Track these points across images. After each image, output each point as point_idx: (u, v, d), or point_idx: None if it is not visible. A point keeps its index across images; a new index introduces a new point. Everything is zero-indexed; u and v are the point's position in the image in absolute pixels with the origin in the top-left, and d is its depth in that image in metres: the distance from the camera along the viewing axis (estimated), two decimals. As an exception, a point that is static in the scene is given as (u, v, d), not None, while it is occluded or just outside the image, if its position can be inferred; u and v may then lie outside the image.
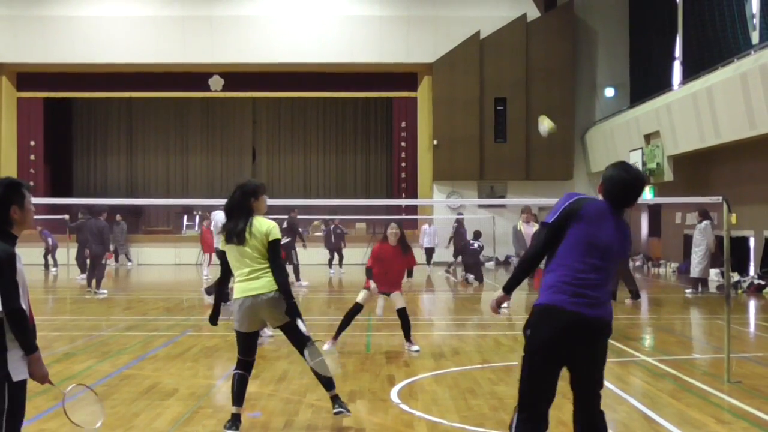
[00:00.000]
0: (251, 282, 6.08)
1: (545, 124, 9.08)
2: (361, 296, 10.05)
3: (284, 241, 18.18)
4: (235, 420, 6.16)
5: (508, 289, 4.64)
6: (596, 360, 4.49)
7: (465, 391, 7.84)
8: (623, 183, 4.49)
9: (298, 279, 19.56)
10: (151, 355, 9.97)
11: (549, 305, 4.37)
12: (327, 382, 6.40)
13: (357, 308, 10.02)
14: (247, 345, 6.26)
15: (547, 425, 4.49)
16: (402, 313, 10.06)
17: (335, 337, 10.01)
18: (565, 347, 4.36)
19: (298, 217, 28.93)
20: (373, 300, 10.29)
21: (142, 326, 12.83)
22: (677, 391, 7.82)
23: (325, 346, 9.69)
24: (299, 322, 6.14)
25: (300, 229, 20.83)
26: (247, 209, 6.15)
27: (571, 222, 4.38)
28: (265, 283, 6.06)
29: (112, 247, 20.96)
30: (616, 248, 4.45)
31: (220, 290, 6.62)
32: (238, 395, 6.18)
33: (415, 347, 10.09)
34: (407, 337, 10.16)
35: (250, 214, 6.14)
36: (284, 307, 6.08)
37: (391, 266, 9.99)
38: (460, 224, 25.60)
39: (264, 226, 6.11)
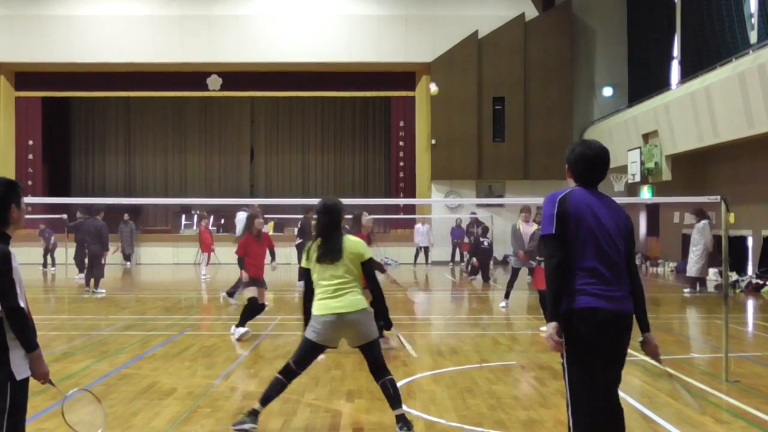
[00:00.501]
0: (336, 300, 6.13)
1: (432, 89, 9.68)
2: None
3: (297, 242, 18.20)
4: (254, 414, 6.20)
5: (555, 314, 4.32)
6: (623, 356, 4.48)
7: (463, 391, 7.84)
8: (588, 159, 4.51)
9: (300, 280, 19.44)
10: (149, 354, 9.96)
11: (576, 310, 4.29)
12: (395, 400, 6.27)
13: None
14: (308, 357, 6.26)
15: None
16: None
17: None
18: (600, 347, 4.33)
19: (295, 216, 29.01)
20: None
21: (140, 325, 12.82)
22: (676, 391, 7.82)
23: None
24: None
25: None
26: (340, 228, 6.29)
27: (567, 224, 4.34)
28: (350, 302, 6.14)
29: (113, 248, 20.86)
30: (615, 228, 4.40)
31: (307, 308, 6.36)
32: (268, 398, 6.24)
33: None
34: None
35: (342, 233, 6.28)
36: (369, 326, 6.18)
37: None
38: (472, 223, 25.72)
39: (357, 246, 6.29)
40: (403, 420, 6.13)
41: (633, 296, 4.45)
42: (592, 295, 4.28)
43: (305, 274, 6.32)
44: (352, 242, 6.27)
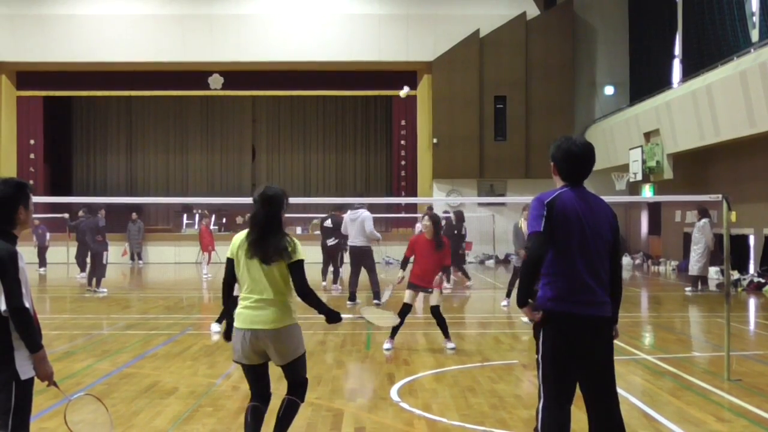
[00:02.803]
0: (256, 312, 5.26)
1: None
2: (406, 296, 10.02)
3: (332, 242, 17.73)
4: None
5: (524, 302, 4.42)
6: (606, 363, 4.47)
7: (465, 390, 7.84)
8: (574, 157, 4.51)
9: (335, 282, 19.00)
10: (151, 353, 9.97)
11: (554, 312, 4.39)
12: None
13: (407, 308, 9.96)
14: (250, 380, 5.54)
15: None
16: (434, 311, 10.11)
17: (392, 336, 10.12)
18: (575, 351, 4.39)
19: (296, 215, 29.01)
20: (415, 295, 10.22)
21: (141, 325, 12.83)
22: (677, 389, 7.82)
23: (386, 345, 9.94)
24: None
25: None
26: (281, 223, 5.45)
27: (553, 226, 4.36)
28: (272, 316, 5.26)
29: (120, 250, 20.83)
30: (599, 230, 4.43)
31: (227, 305, 5.67)
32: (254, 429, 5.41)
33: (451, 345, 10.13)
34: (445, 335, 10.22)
35: (282, 230, 5.45)
36: (291, 343, 5.34)
37: (425, 260, 9.95)
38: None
39: (294, 246, 5.32)
40: None
41: (613, 292, 4.51)
42: (567, 301, 4.35)
43: (228, 266, 5.35)
44: (290, 241, 5.25)
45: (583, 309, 4.35)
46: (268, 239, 5.20)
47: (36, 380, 4.27)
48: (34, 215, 5.21)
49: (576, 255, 4.36)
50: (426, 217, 10.02)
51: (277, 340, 5.21)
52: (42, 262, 25.14)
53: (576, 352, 4.36)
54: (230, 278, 5.37)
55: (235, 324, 5.29)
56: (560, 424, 4.38)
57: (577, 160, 4.51)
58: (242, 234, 5.36)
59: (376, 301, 14.50)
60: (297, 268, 5.20)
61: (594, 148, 4.61)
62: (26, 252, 23.15)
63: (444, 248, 9.98)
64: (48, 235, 25.10)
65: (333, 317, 5.46)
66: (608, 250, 4.47)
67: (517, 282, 4.62)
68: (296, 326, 5.31)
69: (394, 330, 10.02)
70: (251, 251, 5.23)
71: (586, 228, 4.39)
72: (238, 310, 5.31)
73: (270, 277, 5.20)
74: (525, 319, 12.35)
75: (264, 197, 5.27)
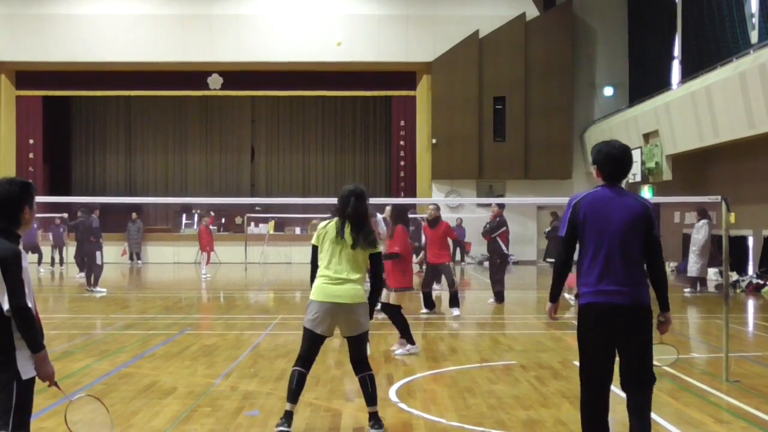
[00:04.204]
0: (338, 287, 6.12)
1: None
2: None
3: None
4: (288, 417, 6.13)
5: (554, 297, 5.17)
6: (641, 343, 4.89)
7: (463, 390, 7.84)
8: (611, 157, 4.99)
9: None
10: (149, 353, 9.97)
11: (586, 305, 4.91)
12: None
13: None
14: (313, 348, 6.35)
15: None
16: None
17: (409, 340, 9.83)
18: (606, 332, 4.84)
19: (295, 216, 28.99)
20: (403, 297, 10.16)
21: (140, 324, 12.83)
22: (676, 391, 7.82)
23: (406, 349, 9.73)
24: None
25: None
26: (368, 216, 6.34)
27: (578, 227, 4.91)
28: (352, 293, 6.15)
29: (119, 250, 20.84)
30: (626, 228, 4.84)
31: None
32: (295, 394, 6.19)
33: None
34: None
35: (369, 221, 6.35)
36: (363, 318, 6.20)
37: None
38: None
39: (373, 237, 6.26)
40: (375, 418, 6.20)
41: (653, 282, 5.00)
42: (591, 294, 4.87)
43: (314, 253, 6.25)
44: (373, 234, 6.20)
45: (605, 298, 4.80)
46: (363, 228, 6.13)
47: (36, 380, 4.27)
48: (38, 216, 5.23)
49: (600, 247, 4.84)
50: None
51: (352, 313, 6.09)
52: (60, 260, 25.45)
53: (606, 337, 4.83)
54: (316, 262, 6.24)
55: (316, 297, 6.11)
56: (591, 413, 4.92)
57: (618, 162, 4.99)
58: (330, 222, 6.22)
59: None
60: (378, 257, 6.20)
61: (631, 151, 5.12)
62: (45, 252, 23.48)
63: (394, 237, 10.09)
64: (64, 234, 25.27)
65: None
66: (638, 242, 4.87)
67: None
68: (367, 304, 6.20)
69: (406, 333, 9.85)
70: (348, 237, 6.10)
71: (613, 219, 4.85)
72: (320, 285, 6.12)
73: (355, 260, 6.12)
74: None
75: (356, 192, 6.17)
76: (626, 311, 4.79)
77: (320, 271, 6.16)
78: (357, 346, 6.25)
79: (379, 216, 14.78)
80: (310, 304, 6.19)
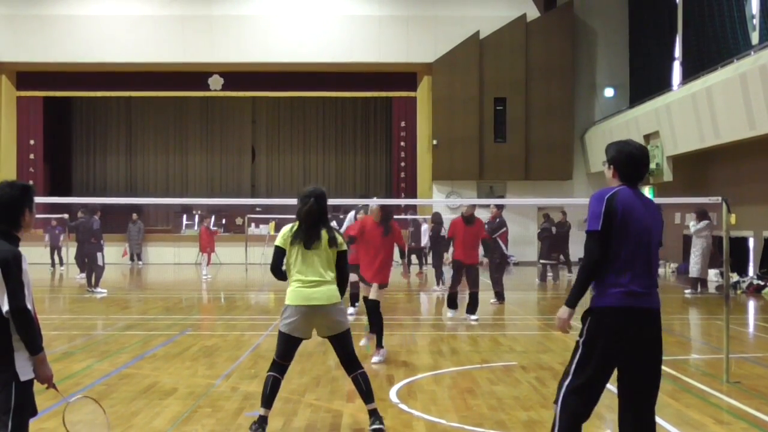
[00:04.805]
0: (313, 290, 6.11)
1: None
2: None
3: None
4: (261, 422, 6.13)
5: (573, 303, 4.61)
6: (654, 358, 4.62)
7: (464, 391, 7.84)
8: (632, 157, 4.71)
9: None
10: (150, 354, 9.97)
11: (612, 308, 4.51)
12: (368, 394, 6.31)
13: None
14: (289, 349, 6.37)
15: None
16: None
17: (380, 342, 9.57)
18: (625, 341, 4.51)
19: (290, 216, 28.97)
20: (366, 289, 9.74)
21: (141, 325, 12.83)
22: (676, 392, 7.82)
23: (381, 355, 9.54)
24: None
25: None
26: (326, 215, 6.32)
27: (613, 222, 4.52)
28: (326, 294, 6.13)
29: (120, 250, 20.88)
30: (652, 230, 4.65)
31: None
32: (269, 399, 6.18)
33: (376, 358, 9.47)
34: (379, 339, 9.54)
35: (328, 221, 6.33)
36: (340, 317, 6.22)
37: (375, 248, 9.44)
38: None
39: (337, 236, 6.24)
40: (374, 415, 6.22)
41: None
42: (622, 294, 4.49)
43: (278, 255, 6.19)
44: (334, 232, 6.21)
45: (639, 302, 4.51)
46: (319, 228, 6.11)
47: (34, 381, 4.27)
48: (39, 216, 5.25)
49: (636, 249, 4.54)
50: (377, 207, 9.58)
51: (329, 313, 6.09)
52: (59, 261, 25.47)
53: (624, 345, 4.49)
54: (277, 264, 6.22)
55: (291, 301, 6.11)
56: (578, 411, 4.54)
57: (639, 162, 4.72)
58: (290, 226, 6.21)
59: None
60: (340, 256, 6.17)
61: (648, 151, 4.87)
62: (37, 252, 23.58)
63: (392, 232, 9.57)
64: (63, 235, 25.26)
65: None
66: (656, 247, 4.70)
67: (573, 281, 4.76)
68: (342, 304, 6.21)
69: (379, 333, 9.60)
70: (307, 238, 6.09)
71: (644, 224, 4.60)
72: (294, 289, 6.10)
73: (324, 260, 6.10)
74: (473, 318, 12.24)
75: (314, 194, 6.15)
76: (654, 314, 4.57)
77: (292, 275, 6.16)
78: (341, 345, 6.24)
79: (351, 214, 14.54)
80: (285, 308, 6.19)
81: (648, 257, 4.59)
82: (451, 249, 13.66)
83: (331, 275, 6.12)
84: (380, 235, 9.44)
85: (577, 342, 4.58)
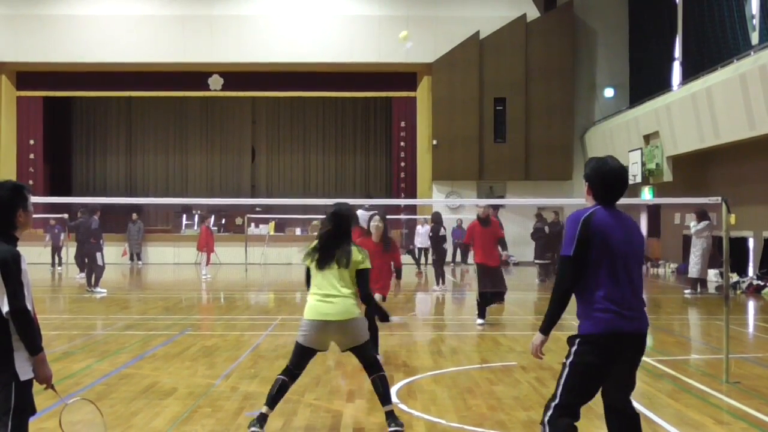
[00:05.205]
0: (327, 305, 6.19)
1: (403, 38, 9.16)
2: None
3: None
4: (261, 419, 6.20)
5: (546, 330, 4.53)
6: (632, 373, 4.59)
7: (464, 391, 7.84)
8: (607, 178, 4.52)
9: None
10: (149, 354, 9.97)
11: (598, 334, 4.38)
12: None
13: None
14: (302, 360, 6.39)
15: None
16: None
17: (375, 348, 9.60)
18: (613, 365, 4.42)
19: (296, 216, 28.99)
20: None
21: (141, 325, 12.83)
22: (676, 392, 7.82)
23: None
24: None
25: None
26: (348, 235, 6.40)
27: (589, 245, 4.36)
28: (341, 309, 6.19)
29: (120, 250, 20.92)
30: (633, 249, 4.48)
31: None
32: (274, 399, 6.25)
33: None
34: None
35: (349, 240, 6.40)
36: (358, 332, 6.29)
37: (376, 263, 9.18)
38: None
39: (356, 254, 6.30)
40: (391, 417, 6.25)
41: None
42: (609, 319, 4.35)
43: (305, 271, 6.41)
44: (354, 250, 6.27)
45: (628, 325, 4.38)
46: (333, 250, 6.25)
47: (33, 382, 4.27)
48: (39, 216, 5.24)
49: (618, 271, 4.38)
50: (377, 218, 9.41)
51: (344, 329, 6.18)
52: (58, 261, 25.48)
53: (609, 368, 4.40)
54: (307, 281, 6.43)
55: (307, 315, 6.21)
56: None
57: (614, 182, 4.54)
58: (313, 244, 6.41)
59: None
60: (361, 274, 6.27)
61: (627, 171, 4.70)
62: (37, 252, 23.60)
63: (393, 248, 9.51)
64: (62, 235, 25.25)
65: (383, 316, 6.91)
66: (638, 268, 4.54)
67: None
68: (360, 318, 6.30)
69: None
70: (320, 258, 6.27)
71: (623, 244, 4.43)
72: (310, 303, 6.23)
73: (340, 277, 6.20)
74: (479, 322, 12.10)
75: (336, 214, 6.33)
76: (641, 338, 4.48)
77: (311, 289, 6.31)
78: (361, 354, 6.32)
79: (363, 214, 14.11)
80: (302, 321, 6.30)
81: (632, 278, 4.44)
82: (471, 253, 13.24)
83: (347, 290, 6.18)
84: (380, 252, 9.34)
85: (564, 363, 4.46)
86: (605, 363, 4.38)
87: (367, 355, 6.35)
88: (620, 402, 4.57)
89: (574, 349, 4.43)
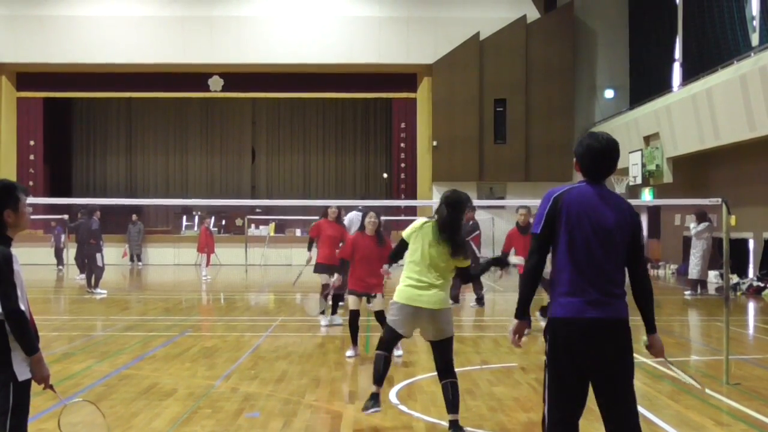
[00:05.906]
0: (423, 292, 6.17)
1: None
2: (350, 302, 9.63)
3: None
4: (374, 398, 6.29)
5: (521, 314, 4.32)
6: (620, 368, 4.20)
7: (463, 392, 7.81)
8: (595, 152, 4.27)
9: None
10: (149, 355, 9.97)
11: (563, 319, 4.15)
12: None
13: (355, 315, 9.65)
14: (392, 341, 6.53)
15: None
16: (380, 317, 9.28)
17: (355, 344, 9.74)
18: (585, 357, 4.12)
19: (296, 217, 28.99)
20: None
21: (141, 326, 12.83)
22: (676, 393, 7.82)
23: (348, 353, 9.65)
24: None
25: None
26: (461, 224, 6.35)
27: (558, 223, 4.16)
28: (436, 299, 6.18)
29: (120, 251, 20.92)
30: (610, 230, 4.16)
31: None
32: (381, 377, 6.32)
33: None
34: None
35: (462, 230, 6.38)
36: (447, 323, 6.31)
37: (370, 260, 9.27)
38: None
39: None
40: (455, 427, 6.09)
41: (639, 297, 4.29)
42: (575, 303, 4.11)
43: (400, 246, 6.36)
44: (462, 246, 6.22)
45: (597, 311, 4.09)
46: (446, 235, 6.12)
47: (33, 382, 4.27)
48: (39, 217, 5.20)
49: (594, 251, 4.12)
50: (373, 213, 9.44)
51: (435, 318, 6.10)
52: (59, 262, 25.49)
53: (579, 360, 4.10)
54: (399, 253, 6.53)
55: (399, 299, 6.17)
56: None
57: (598, 156, 4.29)
58: (421, 221, 6.30)
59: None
60: (464, 272, 6.25)
61: (618, 146, 4.36)
62: (34, 253, 23.55)
63: (385, 243, 9.45)
64: (63, 236, 25.24)
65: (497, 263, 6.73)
66: (623, 250, 4.21)
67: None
68: (451, 309, 6.26)
69: (354, 335, 9.68)
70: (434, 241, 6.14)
71: (600, 224, 4.15)
72: (403, 287, 6.17)
73: (442, 266, 6.13)
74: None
75: (450, 202, 6.15)
76: (613, 325, 4.12)
77: (406, 272, 6.21)
78: (441, 352, 6.23)
79: (352, 214, 14.00)
80: (393, 304, 6.24)
81: (608, 260, 4.12)
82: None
83: (442, 281, 6.13)
84: (376, 247, 9.36)
85: (545, 362, 4.26)
86: (577, 352, 4.08)
87: (447, 354, 6.24)
88: (624, 428, 4.19)
89: (547, 344, 4.20)
